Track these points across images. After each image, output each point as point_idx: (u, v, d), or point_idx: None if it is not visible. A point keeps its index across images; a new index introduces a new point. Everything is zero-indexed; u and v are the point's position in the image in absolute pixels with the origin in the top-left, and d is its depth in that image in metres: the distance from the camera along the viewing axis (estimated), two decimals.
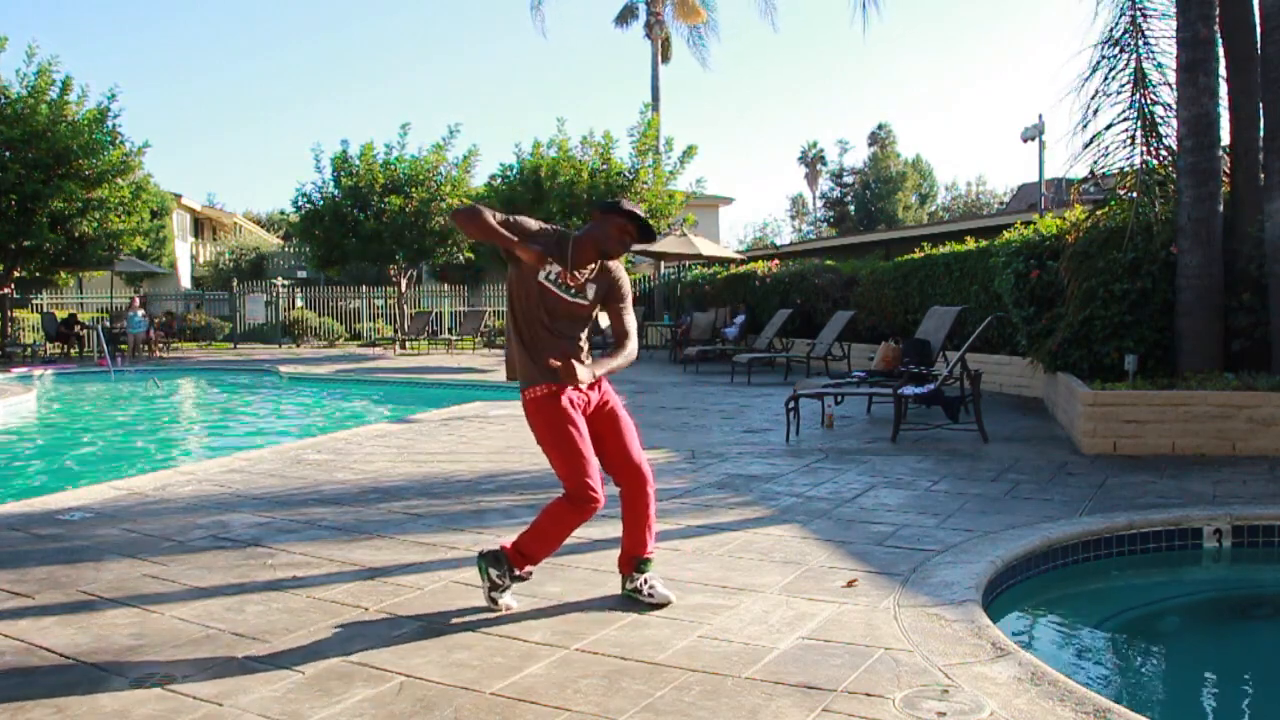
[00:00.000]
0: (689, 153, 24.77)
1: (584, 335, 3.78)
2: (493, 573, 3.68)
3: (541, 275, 3.63)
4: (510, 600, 3.73)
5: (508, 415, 9.98)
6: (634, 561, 3.77)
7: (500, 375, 16.08)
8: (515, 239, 3.54)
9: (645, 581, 3.76)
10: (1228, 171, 8.49)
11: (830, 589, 3.91)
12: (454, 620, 3.61)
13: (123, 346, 20.78)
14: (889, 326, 14.58)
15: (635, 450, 3.76)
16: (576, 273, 3.68)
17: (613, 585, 3.91)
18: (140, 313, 21.77)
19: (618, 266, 3.82)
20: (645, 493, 3.73)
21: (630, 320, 3.79)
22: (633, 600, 3.75)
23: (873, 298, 15.24)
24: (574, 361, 3.51)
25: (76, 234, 20.81)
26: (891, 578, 4.04)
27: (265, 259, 35.74)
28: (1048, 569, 4.49)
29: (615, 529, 3.91)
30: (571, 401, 3.63)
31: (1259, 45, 8.05)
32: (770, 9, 30.07)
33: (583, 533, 4.03)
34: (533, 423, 3.65)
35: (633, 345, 3.77)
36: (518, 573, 3.69)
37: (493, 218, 3.54)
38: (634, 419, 3.89)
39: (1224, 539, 4.87)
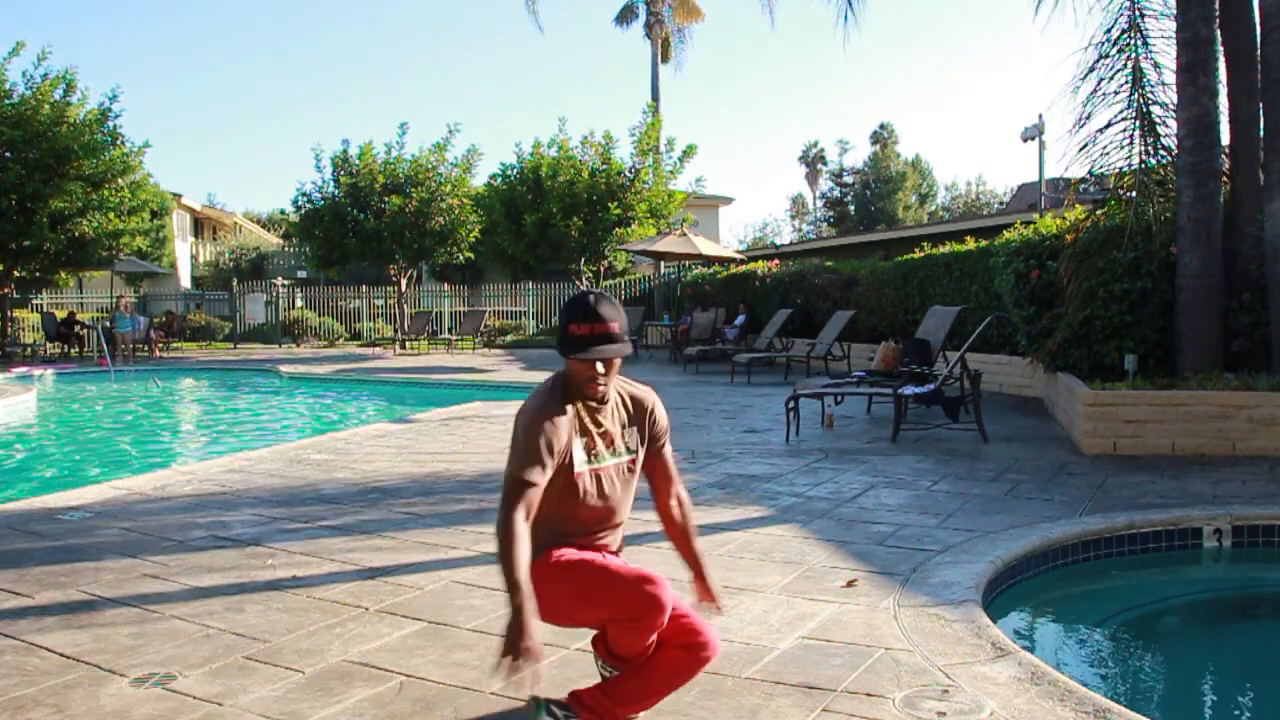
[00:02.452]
0: (688, 152, 24.81)
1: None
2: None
3: (578, 466, 2.67)
4: None
5: (508, 415, 9.96)
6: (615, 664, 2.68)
7: (500, 375, 16.07)
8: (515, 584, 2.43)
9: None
10: (1228, 171, 8.49)
11: (830, 589, 3.91)
12: (454, 620, 3.61)
13: (122, 347, 20.77)
14: (889, 326, 14.58)
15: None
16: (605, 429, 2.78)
17: None
18: (127, 313, 21.72)
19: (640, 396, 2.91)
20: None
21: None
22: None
23: (873, 298, 15.24)
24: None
25: (76, 234, 20.79)
26: (891, 578, 4.04)
27: (265, 259, 35.72)
28: (1048, 569, 4.49)
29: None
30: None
31: (1259, 45, 8.05)
32: (770, 4, 29.96)
33: None
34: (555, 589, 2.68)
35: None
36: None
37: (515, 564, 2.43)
38: None
39: (1224, 539, 4.87)
